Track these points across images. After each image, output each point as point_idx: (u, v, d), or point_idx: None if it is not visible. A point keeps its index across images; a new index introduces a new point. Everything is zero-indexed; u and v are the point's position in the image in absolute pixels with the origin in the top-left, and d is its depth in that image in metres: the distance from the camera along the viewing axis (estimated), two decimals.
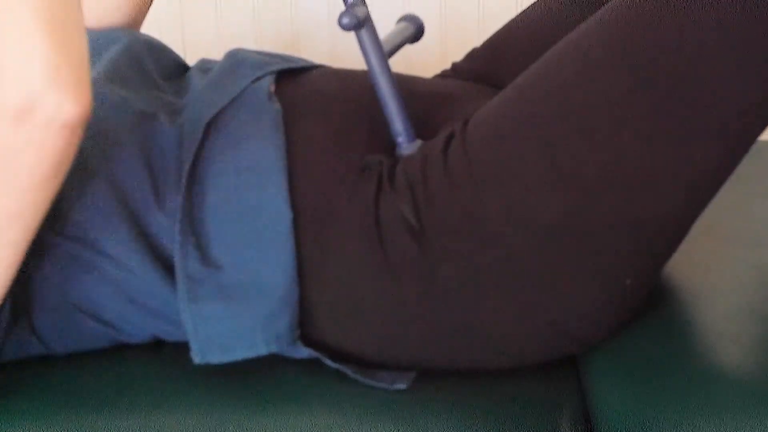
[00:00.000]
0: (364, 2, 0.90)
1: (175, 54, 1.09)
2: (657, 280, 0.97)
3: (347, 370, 0.88)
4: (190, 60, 1.13)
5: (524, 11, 1.12)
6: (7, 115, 0.74)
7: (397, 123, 0.91)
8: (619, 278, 0.86)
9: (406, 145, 0.91)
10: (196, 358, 0.86)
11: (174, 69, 1.06)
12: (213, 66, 1.03)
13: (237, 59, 1.00)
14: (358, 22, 0.88)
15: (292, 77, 0.99)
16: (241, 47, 1.05)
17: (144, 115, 0.91)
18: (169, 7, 1.63)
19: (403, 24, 1.02)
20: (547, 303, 0.85)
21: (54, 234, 0.86)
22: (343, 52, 1.64)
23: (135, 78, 0.98)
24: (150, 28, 1.18)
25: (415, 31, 1.02)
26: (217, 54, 1.07)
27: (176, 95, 0.99)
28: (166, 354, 0.92)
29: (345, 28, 0.87)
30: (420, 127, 0.93)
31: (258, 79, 0.95)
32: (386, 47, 0.94)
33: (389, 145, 0.92)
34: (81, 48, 0.76)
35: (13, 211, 0.79)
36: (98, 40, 1.03)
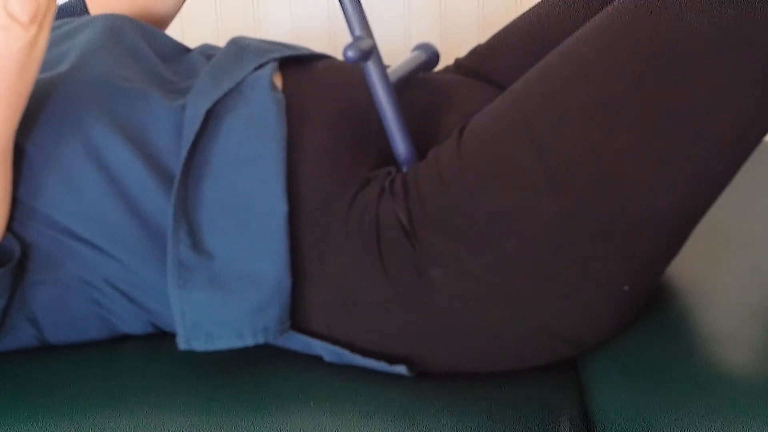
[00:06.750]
0: (371, 35, 0.89)
1: (170, 37, 1.06)
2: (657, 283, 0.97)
3: (344, 351, 0.87)
4: None
5: (529, 10, 1.11)
6: None
7: (401, 150, 0.92)
8: (616, 284, 0.86)
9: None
10: (182, 344, 0.86)
11: (171, 49, 1.04)
12: (216, 52, 1.02)
13: (239, 46, 0.99)
14: (362, 55, 0.88)
15: (296, 68, 0.98)
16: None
17: (135, 91, 0.90)
18: None
19: (416, 53, 1.02)
20: (540, 308, 0.85)
21: (39, 222, 0.87)
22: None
23: (126, 55, 0.96)
24: None
25: (427, 60, 1.02)
26: None
27: (177, 75, 0.98)
28: (164, 353, 0.92)
29: (349, 60, 0.87)
30: (420, 139, 0.93)
31: (260, 66, 0.94)
32: (397, 75, 0.94)
33: (394, 160, 0.92)
34: None
35: None
36: (75, 26, 1.01)
